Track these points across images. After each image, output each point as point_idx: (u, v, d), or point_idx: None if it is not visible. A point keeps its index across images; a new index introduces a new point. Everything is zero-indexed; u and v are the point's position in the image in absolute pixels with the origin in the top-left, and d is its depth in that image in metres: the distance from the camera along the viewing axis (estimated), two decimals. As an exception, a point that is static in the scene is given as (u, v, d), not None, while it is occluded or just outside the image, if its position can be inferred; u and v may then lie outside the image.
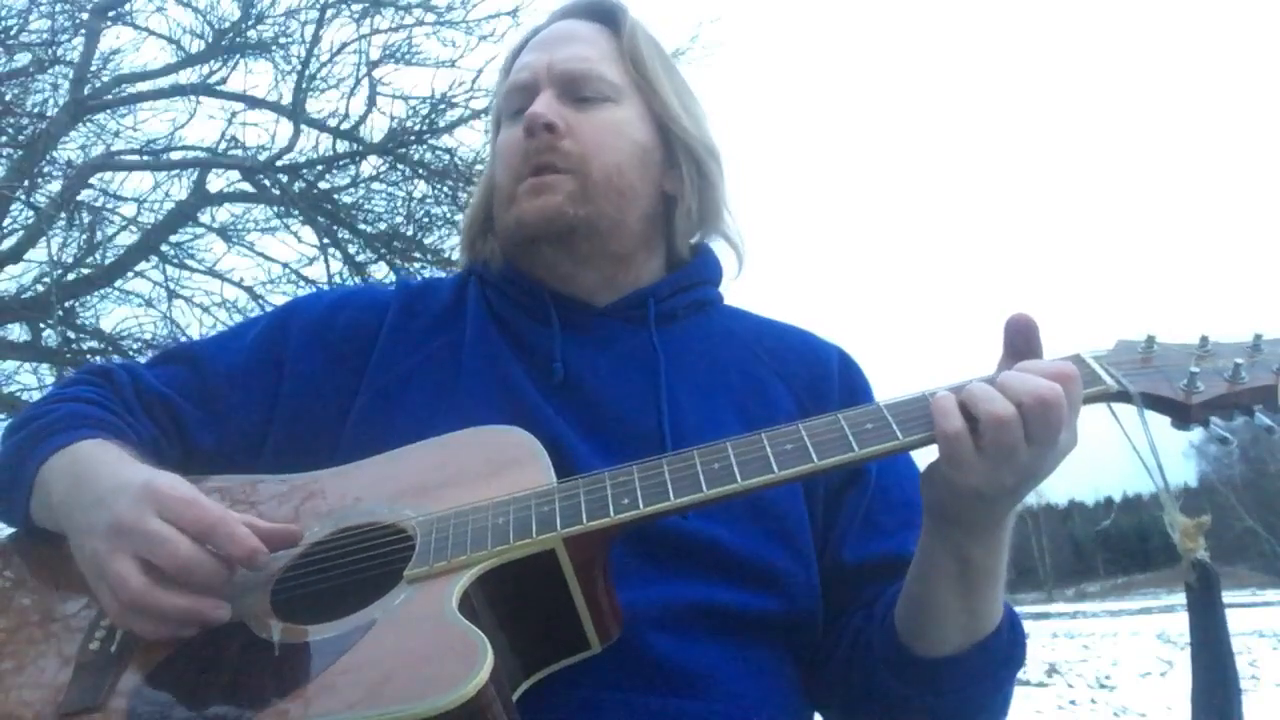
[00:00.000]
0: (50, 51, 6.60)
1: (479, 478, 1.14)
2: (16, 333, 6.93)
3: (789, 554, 1.22)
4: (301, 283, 7.02)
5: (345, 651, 0.98)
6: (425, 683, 0.91)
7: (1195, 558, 1.01)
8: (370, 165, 7.23)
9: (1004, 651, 1.14)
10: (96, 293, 7.06)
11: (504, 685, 0.98)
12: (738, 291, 1.48)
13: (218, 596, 1.05)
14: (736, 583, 1.18)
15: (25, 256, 6.77)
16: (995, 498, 1.02)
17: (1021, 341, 1.08)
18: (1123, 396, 1.05)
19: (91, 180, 6.71)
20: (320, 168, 7.24)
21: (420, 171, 7.04)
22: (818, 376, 1.36)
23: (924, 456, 1.08)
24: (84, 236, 6.93)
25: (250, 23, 6.85)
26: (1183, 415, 1.04)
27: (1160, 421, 1.05)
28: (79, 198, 6.51)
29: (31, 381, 6.93)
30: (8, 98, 6.47)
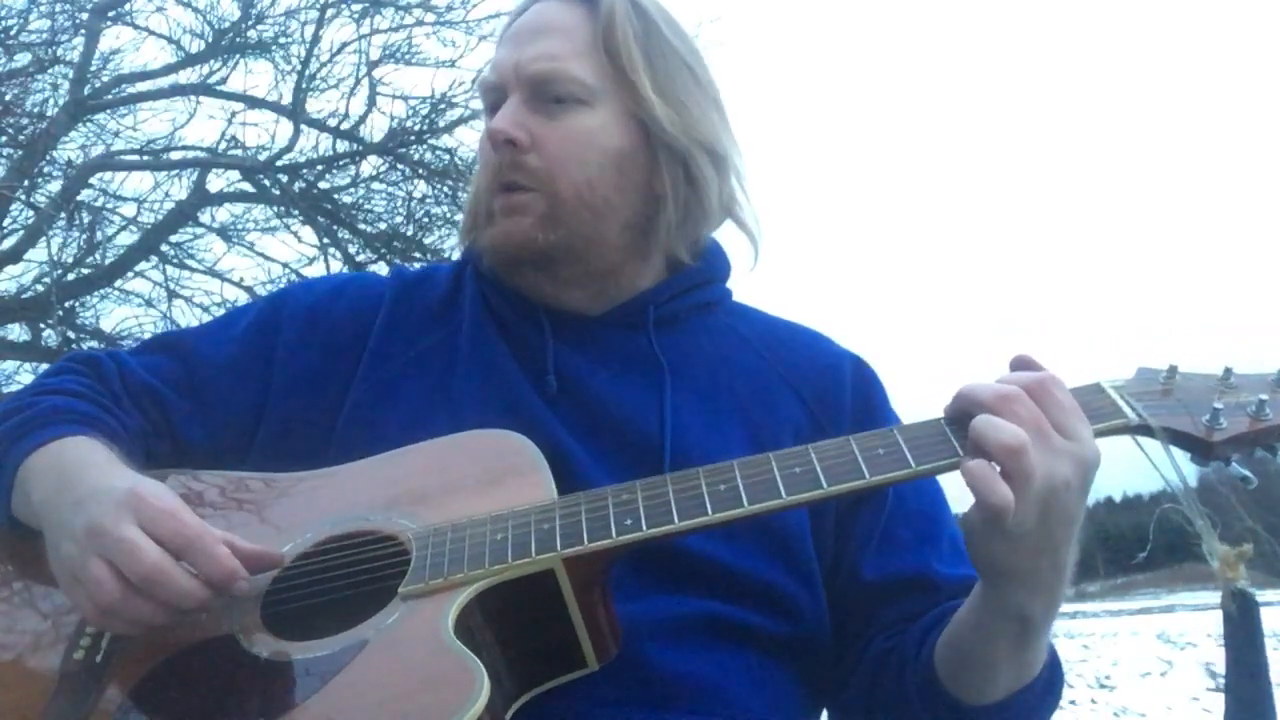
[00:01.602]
0: (50, 51, 6.61)
1: (477, 486, 1.10)
2: (16, 333, 6.95)
3: (790, 574, 1.19)
4: (301, 283, 7.02)
5: (336, 673, 0.95)
6: (419, 713, 0.89)
7: (1235, 587, 0.98)
8: (370, 165, 7.25)
9: (1046, 690, 1.10)
10: (96, 293, 7.09)
11: (499, 712, 0.96)
12: (750, 285, 1.41)
13: (195, 611, 1.01)
14: (736, 600, 1.15)
15: (25, 256, 6.79)
16: (1023, 535, 0.96)
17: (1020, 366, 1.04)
18: (1144, 430, 1.02)
19: (91, 180, 6.72)
20: (320, 168, 7.25)
21: (420, 171, 7.04)
22: (829, 385, 1.29)
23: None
24: (84, 236, 6.94)
25: (250, 23, 6.85)
26: (1204, 452, 1.01)
27: (1177, 453, 1.02)
28: (79, 198, 6.52)
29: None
30: (8, 98, 6.47)
